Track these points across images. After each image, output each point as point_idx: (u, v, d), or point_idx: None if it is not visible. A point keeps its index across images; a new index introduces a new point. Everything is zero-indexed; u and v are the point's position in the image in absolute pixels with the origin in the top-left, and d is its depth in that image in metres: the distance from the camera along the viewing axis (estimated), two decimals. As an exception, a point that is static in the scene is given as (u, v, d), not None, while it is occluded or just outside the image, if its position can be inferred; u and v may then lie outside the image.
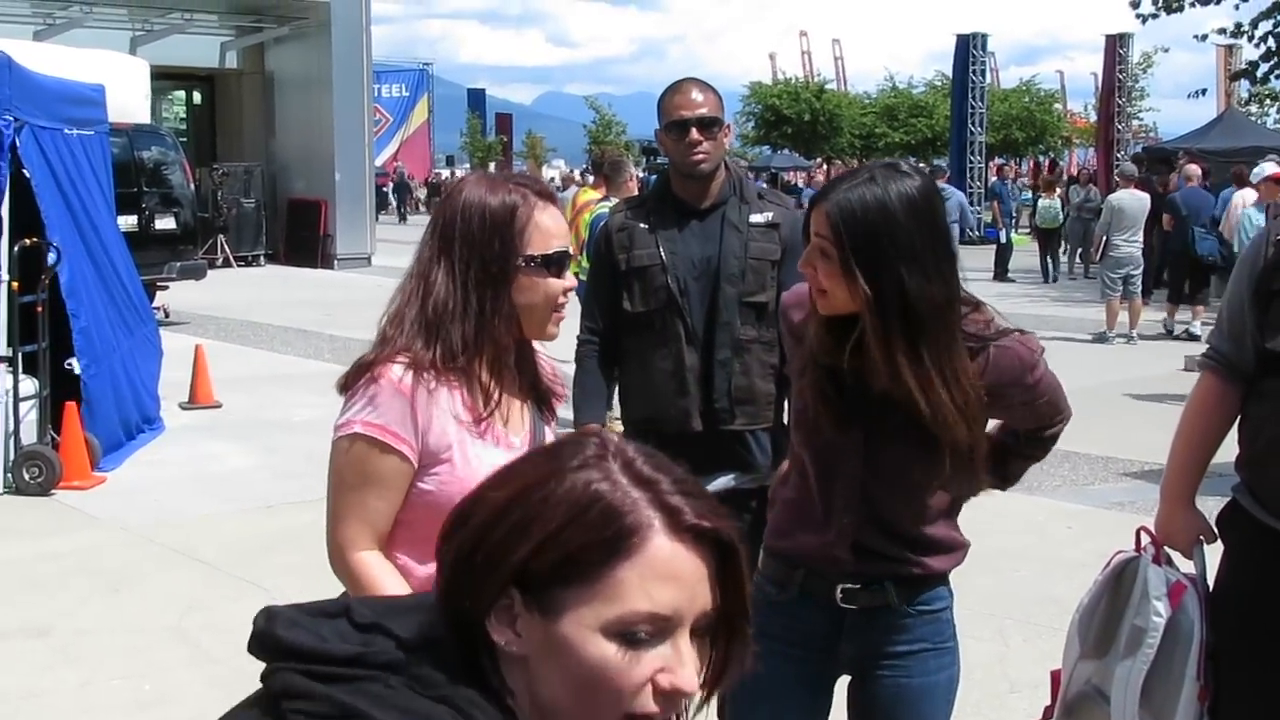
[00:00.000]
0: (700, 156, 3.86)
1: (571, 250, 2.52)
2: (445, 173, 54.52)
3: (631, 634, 1.21)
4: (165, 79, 27.21)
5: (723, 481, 3.92)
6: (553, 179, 52.57)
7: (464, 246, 2.38)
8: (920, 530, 2.65)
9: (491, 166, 56.82)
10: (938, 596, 2.73)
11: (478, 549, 1.25)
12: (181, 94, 30.89)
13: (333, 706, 1.21)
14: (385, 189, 46.21)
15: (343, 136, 25.60)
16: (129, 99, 15.96)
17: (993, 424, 2.76)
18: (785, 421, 4.01)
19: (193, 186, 17.54)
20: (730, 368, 3.89)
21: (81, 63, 13.50)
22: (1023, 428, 2.79)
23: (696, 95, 3.92)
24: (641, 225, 3.94)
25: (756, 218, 3.94)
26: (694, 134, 3.84)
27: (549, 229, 2.43)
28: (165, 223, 16.26)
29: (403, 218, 46.09)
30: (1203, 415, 3.12)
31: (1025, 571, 6.64)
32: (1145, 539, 3.12)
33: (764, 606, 2.49)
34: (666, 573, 1.22)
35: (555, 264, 2.43)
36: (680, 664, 1.23)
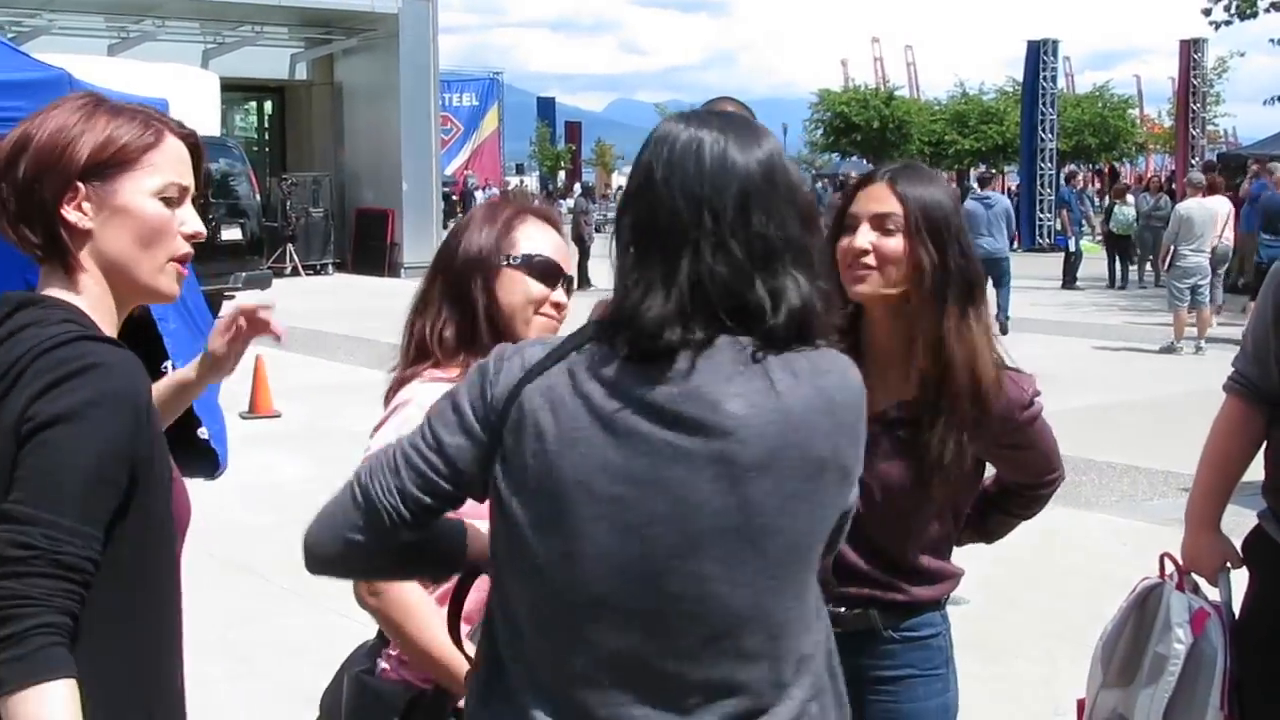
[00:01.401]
0: None
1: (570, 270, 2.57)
2: (514, 180, 54.73)
3: (168, 198, 1.93)
4: (236, 90, 27.66)
5: None
6: (620, 187, 52.75)
7: (461, 254, 2.51)
8: (908, 558, 2.62)
9: (561, 175, 57.14)
10: (926, 623, 2.68)
11: (42, 164, 1.87)
12: (252, 105, 31.32)
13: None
14: (455, 198, 46.51)
15: (410, 146, 25.85)
16: (199, 111, 16.21)
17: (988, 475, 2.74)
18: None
19: (258, 197, 17.79)
20: None
21: (152, 76, 13.75)
22: (1011, 479, 2.75)
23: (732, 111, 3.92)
24: None
25: None
26: None
27: (537, 238, 2.52)
28: (231, 233, 16.50)
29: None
30: (1227, 439, 3.06)
31: (1076, 589, 6.54)
32: (1169, 565, 3.07)
33: None
34: (179, 157, 1.96)
35: (539, 269, 2.49)
36: (191, 216, 1.97)
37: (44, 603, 1.66)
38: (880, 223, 2.50)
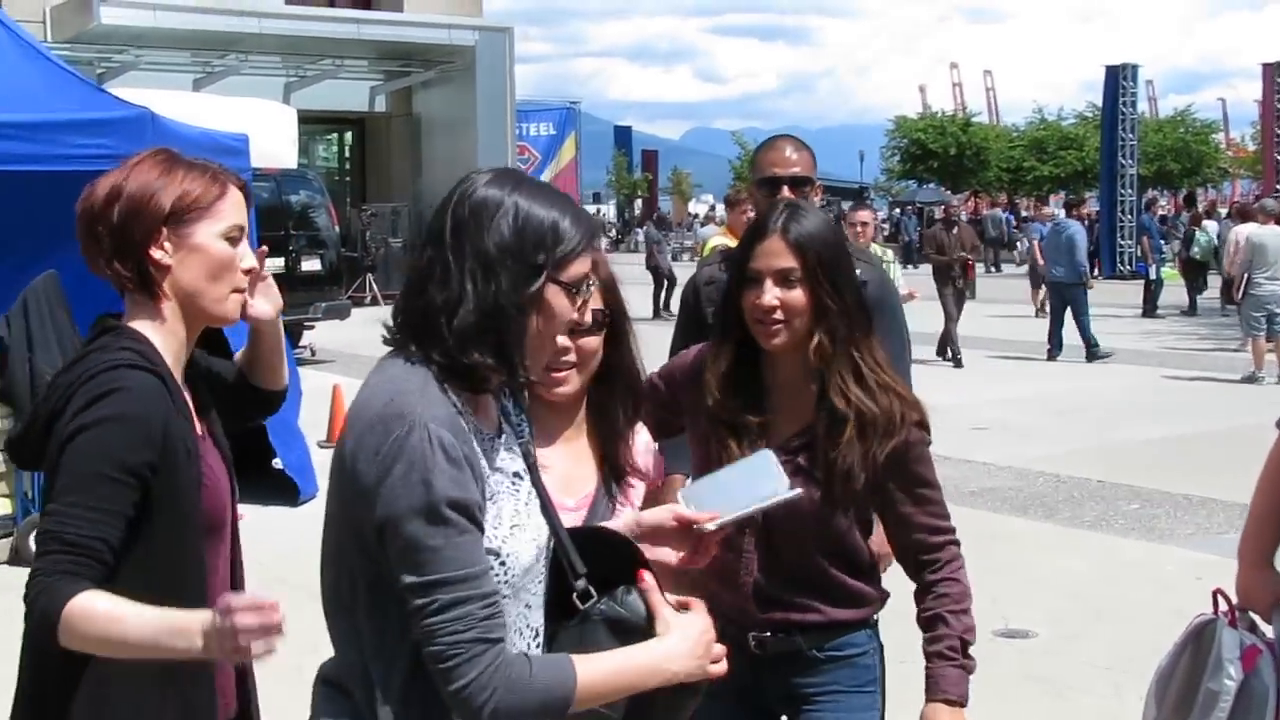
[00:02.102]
0: None
1: None
2: (592, 209, 55.03)
3: (231, 238, 2.33)
4: (317, 123, 28.13)
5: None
6: (698, 215, 52.65)
7: None
8: (823, 578, 2.75)
9: (637, 203, 57.28)
10: (850, 643, 2.80)
11: (132, 211, 2.28)
12: (333, 137, 31.81)
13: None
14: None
15: (486, 177, 26.06)
16: (278, 145, 16.53)
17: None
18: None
19: (337, 228, 18.04)
20: None
21: (234, 112, 14.05)
22: (902, 542, 2.79)
23: (790, 153, 3.95)
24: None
25: None
26: (785, 192, 3.87)
27: None
28: (311, 264, 16.74)
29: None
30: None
31: (1147, 624, 6.46)
32: (1223, 601, 3.06)
33: None
34: (237, 204, 2.36)
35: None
36: (247, 252, 2.38)
37: (50, 573, 2.11)
38: (782, 278, 2.65)
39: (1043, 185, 49.46)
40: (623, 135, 66.94)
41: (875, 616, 2.86)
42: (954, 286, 16.49)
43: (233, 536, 2.49)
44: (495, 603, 1.88)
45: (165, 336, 2.32)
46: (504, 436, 2.09)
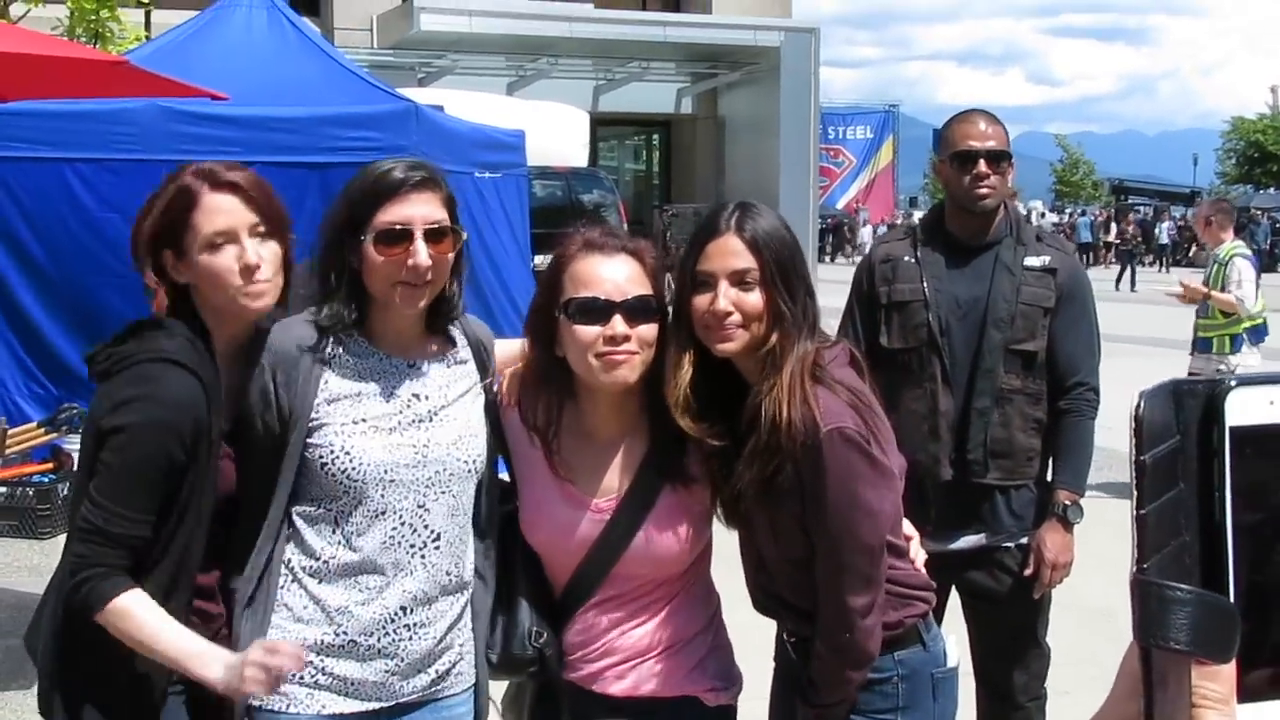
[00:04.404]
0: (986, 190, 3.70)
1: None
2: (901, 215, 54.18)
3: (211, 244, 2.45)
4: (625, 125, 28.69)
5: (971, 540, 3.69)
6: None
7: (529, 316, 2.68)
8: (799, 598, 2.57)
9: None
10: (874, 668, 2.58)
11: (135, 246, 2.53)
12: (640, 139, 32.39)
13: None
14: (846, 222, 46.29)
15: (788, 178, 26.00)
16: (569, 146, 16.99)
17: None
18: (1048, 479, 3.74)
19: (625, 226, 18.28)
20: (989, 417, 3.66)
21: (528, 114, 14.51)
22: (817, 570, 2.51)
23: (985, 126, 3.77)
24: (907, 258, 3.79)
25: (1032, 260, 3.71)
26: (982, 166, 3.69)
27: (582, 276, 2.51)
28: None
29: (828, 257, 45.22)
30: None
31: None
32: None
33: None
34: (215, 208, 2.47)
35: (579, 312, 2.48)
36: (246, 250, 2.46)
37: (98, 563, 2.35)
38: (738, 278, 2.47)
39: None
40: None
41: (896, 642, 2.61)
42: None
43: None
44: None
45: (212, 328, 2.52)
46: (423, 361, 2.55)
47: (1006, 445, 3.67)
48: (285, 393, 2.42)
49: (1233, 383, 0.80)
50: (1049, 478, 3.76)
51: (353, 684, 2.43)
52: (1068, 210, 51.26)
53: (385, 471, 2.43)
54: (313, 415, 2.43)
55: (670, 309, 2.54)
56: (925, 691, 2.61)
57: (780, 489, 2.43)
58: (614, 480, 2.57)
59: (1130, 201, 46.68)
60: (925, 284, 3.72)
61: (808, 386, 2.42)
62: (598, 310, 2.45)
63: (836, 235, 43.74)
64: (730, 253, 2.47)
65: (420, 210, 2.43)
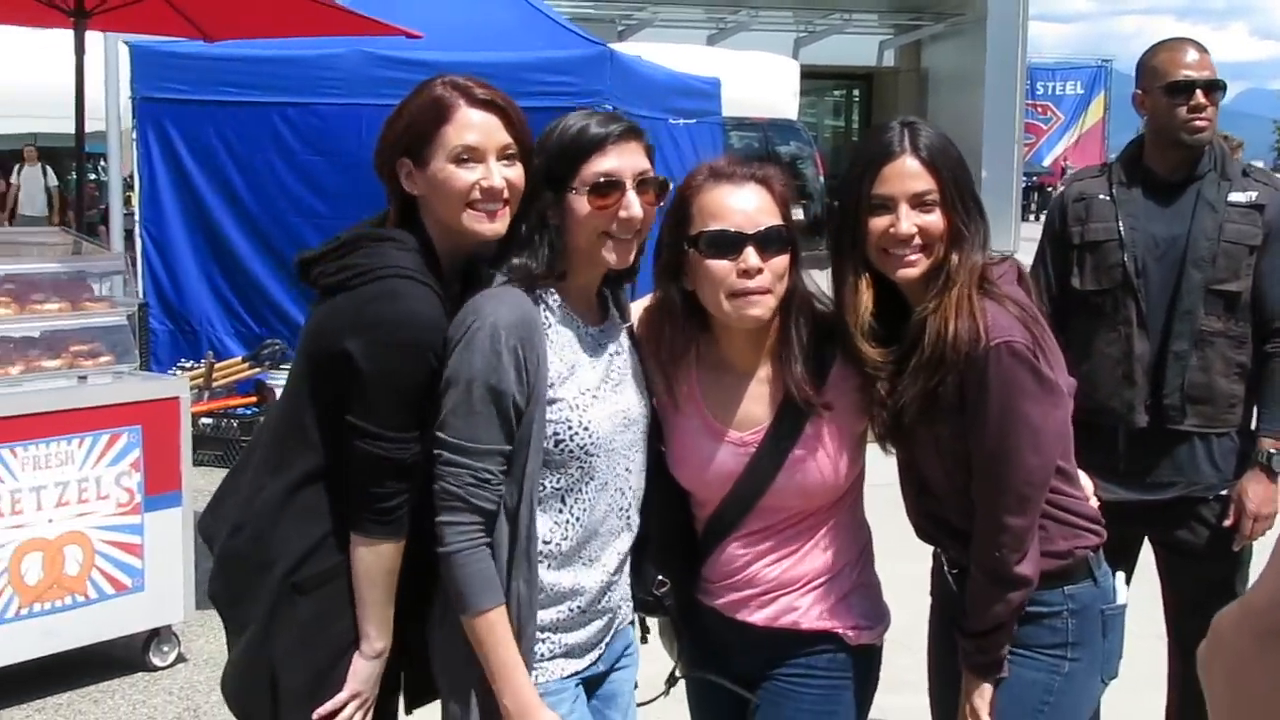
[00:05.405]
0: (1203, 122, 3.56)
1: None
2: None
3: (458, 159, 2.36)
4: (826, 78, 28.33)
5: (1167, 492, 3.54)
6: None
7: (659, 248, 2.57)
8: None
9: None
10: (1041, 601, 2.52)
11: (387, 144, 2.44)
12: (841, 92, 31.96)
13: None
14: (1050, 189, 44.98)
15: (992, 133, 25.38)
16: (776, 96, 16.84)
17: None
18: (1252, 427, 3.56)
19: (823, 180, 18.07)
20: (1187, 361, 3.49)
21: (737, 64, 14.46)
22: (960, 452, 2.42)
23: (1198, 55, 3.61)
24: (1101, 196, 3.64)
25: (1237, 196, 3.52)
26: (1199, 97, 3.53)
27: (710, 208, 2.44)
28: (795, 213, 16.90)
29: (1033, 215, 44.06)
30: None
31: None
32: None
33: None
34: (469, 123, 2.37)
35: (711, 246, 2.42)
36: (492, 172, 2.37)
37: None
38: (918, 200, 2.40)
39: None
40: (1158, 95, 63.11)
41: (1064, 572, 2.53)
42: None
43: None
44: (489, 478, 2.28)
45: (434, 244, 2.43)
46: (605, 326, 2.48)
47: (1206, 390, 3.49)
48: (531, 370, 2.31)
49: None
50: (1253, 426, 3.57)
51: (580, 646, 2.45)
52: (1291, 170, 48.91)
53: (610, 440, 2.40)
54: (548, 390, 2.34)
55: (832, 234, 2.50)
56: (1095, 628, 2.52)
57: (943, 404, 2.36)
58: (756, 411, 2.51)
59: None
60: (1121, 223, 3.57)
61: (975, 300, 2.35)
62: (729, 242, 2.38)
63: (1042, 194, 42.45)
64: (908, 174, 2.40)
65: (628, 161, 2.37)
